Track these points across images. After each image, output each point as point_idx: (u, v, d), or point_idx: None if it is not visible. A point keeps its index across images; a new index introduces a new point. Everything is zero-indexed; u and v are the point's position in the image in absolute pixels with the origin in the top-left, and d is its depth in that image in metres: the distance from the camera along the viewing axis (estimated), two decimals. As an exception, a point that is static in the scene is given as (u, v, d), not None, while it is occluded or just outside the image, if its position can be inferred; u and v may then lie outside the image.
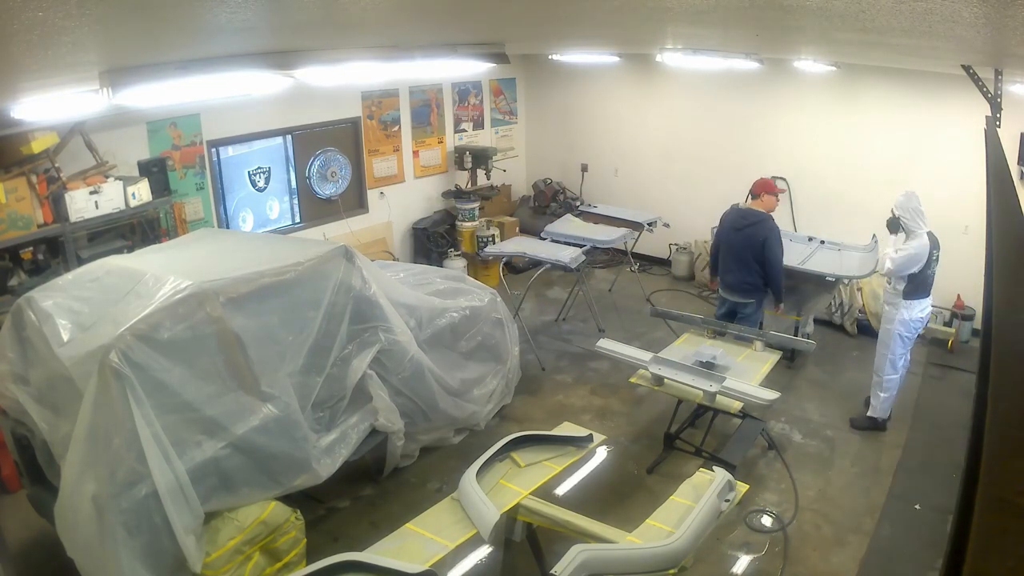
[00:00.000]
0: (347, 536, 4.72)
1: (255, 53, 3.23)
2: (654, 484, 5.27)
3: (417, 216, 9.48)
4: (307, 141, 8.25)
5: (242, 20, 2.06)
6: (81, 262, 5.35)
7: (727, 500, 3.85)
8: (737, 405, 5.10)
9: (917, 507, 5.03)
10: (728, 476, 3.96)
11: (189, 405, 3.89)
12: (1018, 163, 6.68)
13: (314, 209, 8.46)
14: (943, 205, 6.74)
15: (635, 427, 6.14)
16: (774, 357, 5.70)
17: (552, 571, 3.20)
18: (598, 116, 10.18)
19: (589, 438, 4.55)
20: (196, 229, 6.50)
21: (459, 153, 9.54)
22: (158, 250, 5.29)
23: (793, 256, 7.06)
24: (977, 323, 7.29)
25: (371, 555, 3.38)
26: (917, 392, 6.62)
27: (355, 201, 8.84)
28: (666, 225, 8.67)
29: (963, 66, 4.68)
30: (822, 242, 7.40)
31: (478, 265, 9.16)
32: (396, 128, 9.12)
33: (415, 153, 9.43)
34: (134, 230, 6.31)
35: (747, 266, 6.14)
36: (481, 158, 9.36)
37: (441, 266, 8.55)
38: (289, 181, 8.28)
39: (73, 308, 4.18)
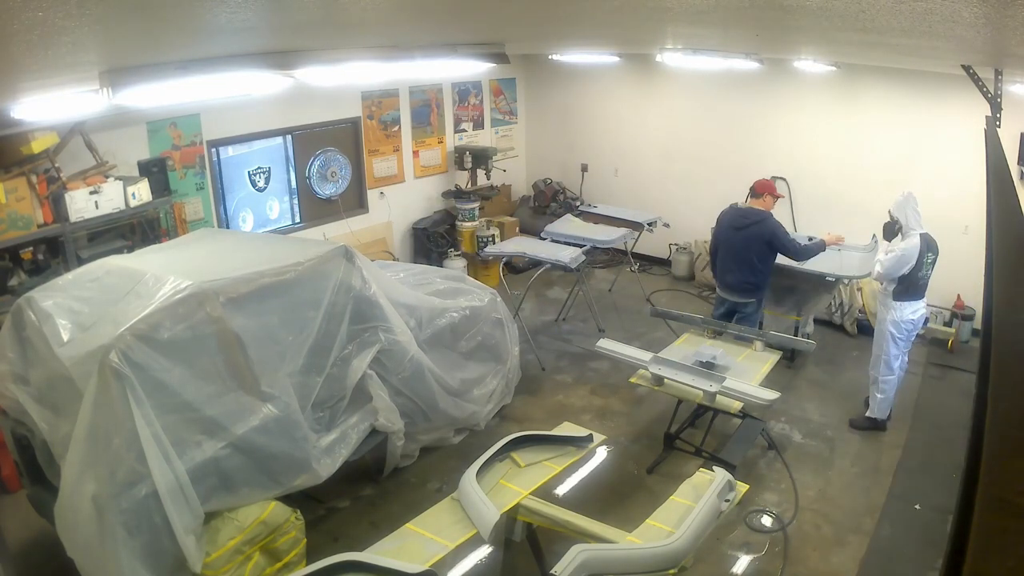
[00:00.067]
0: (347, 536, 4.72)
1: (255, 53, 3.23)
2: (654, 484, 5.27)
3: (417, 216, 9.48)
4: (307, 141, 8.26)
5: (242, 20, 2.06)
6: (81, 262, 5.35)
7: (727, 500, 3.85)
8: (737, 405, 5.09)
9: (917, 507, 5.03)
10: (728, 476, 3.96)
11: (189, 405, 3.89)
12: (1018, 163, 6.68)
13: (314, 209, 8.46)
14: (943, 205, 6.74)
15: (635, 427, 6.14)
16: (774, 357, 5.70)
17: (552, 571, 3.20)
18: (598, 116, 10.18)
19: (589, 438, 4.55)
20: (196, 229, 6.50)
21: (459, 153, 9.54)
22: (158, 250, 5.29)
23: (793, 256, 7.06)
24: (977, 323, 7.29)
25: (371, 555, 3.38)
26: (917, 392, 6.62)
27: (355, 201, 8.84)
28: (666, 225, 8.67)
29: (963, 66, 4.68)
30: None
31: (478, 265, 9.16)
32: (396, 128, 9.13)
33: (415, 153, 9.43)
34: (134, 230, 6.31)
35: (748, 266, 6.13)
36: (481, 158, 9.36)
37: (441, 266, 8.55)
38: (289, 181, 8.28)
39: (73, 308, 4.18)
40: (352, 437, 4.71)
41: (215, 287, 4.10)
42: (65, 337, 4.00)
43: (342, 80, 5.60)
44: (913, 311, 5.69)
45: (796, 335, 6.75)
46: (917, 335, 6.00)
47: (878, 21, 2.41)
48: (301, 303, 4.52)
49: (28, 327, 4.18)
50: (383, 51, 3.89)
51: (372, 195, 8.98)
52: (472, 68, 6.06)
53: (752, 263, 6.11)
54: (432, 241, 9.26)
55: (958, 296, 7.42)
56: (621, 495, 5.18)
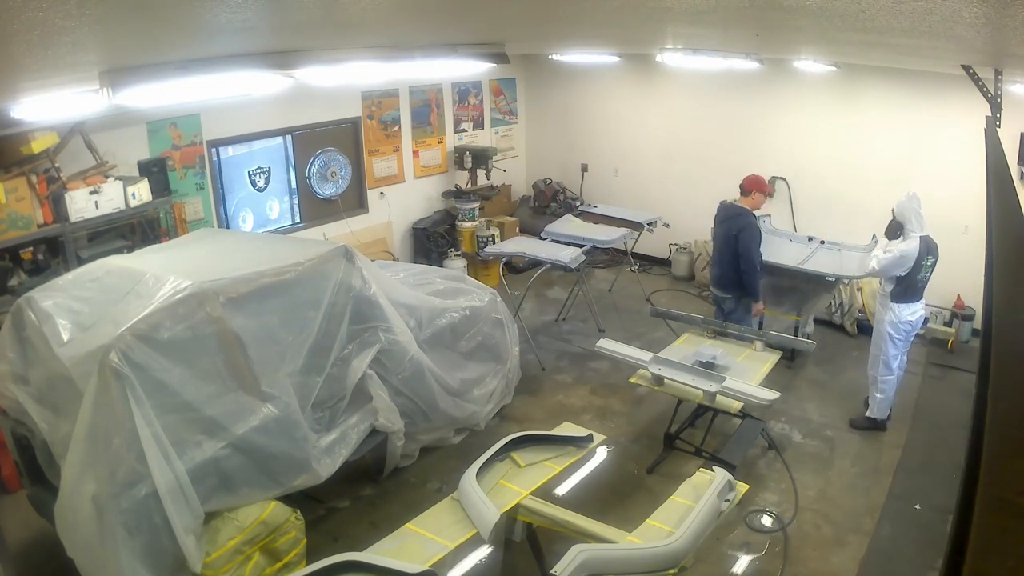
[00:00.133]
0: (347, 536, 4.72)
1: (255, 53, 3.23)
2: (654, 484, 5.27)
3: (417, 216, 9.48)
4: (307, 141, 8.25)
5: (242, 20, 2.06)
6: (81, 262, 5.35)
7: (727, 500, 3.85)
8: (737, 405, 5.10)
9: (917, 507, 5.03)
10: (728, 476, 3.96)
11: (189, 405, 3.89)
12: (1018, 163, 6.68)
13: (314, 209, 8.46)
14: (943, 205, 6.74)
15: (635, 427, 6.14)
16: (774, 357, 5.70)
17: (552, 571, 3.20)
18: (598, 116, 10.18)
19: (589, 438, 4.55)
20: (196, 229, 6.50)
21: (459, 153, 9.54)
22: (158, 250, 5.29)
23: (793, 256, 7.06)
24: (977, 323, 7.29)
25: (371, 555, 3.38)
26: (917, 392, 6.62)
27: (355, 201, 8.84)
28: (666, 225, 8.67)
29: (963, 66, 4.68)
30: (822, 242, 7.39)
31: (478, 265, 9.16)
32: (396, 128, 9.12)
33: (415, 153, 9.43)
34: (134, 230, 6.31)
35: (725, 260, 6.22)
36: (481, 158, 9.36)
37: (441, 266, 8.55)
38: (289, 181, 8.28)
39: (73, 308, 4.18)
40: (352, 437, 4.71)
41: (215, 287, 4.10)
42: (65, 337, 4.00)
43: (342, 80, 5.60)
44: (911, 312, 5.68)
45: (796, 335, 6.75)
46: (916, 335, 6.00)
47: (878, 21, 2.41)
48: (301, 303, 4.52)
49: (28, 327, 4.18)
50: (383, 51, 3.89)
51: (372, 195, 8.98)
52: (472, 68, 6.06)
53: (728, 258, 6.18)
54: (432, 241, 9.26)
55: (958, 296, 7.42)
56: (621, 495, 5.18)
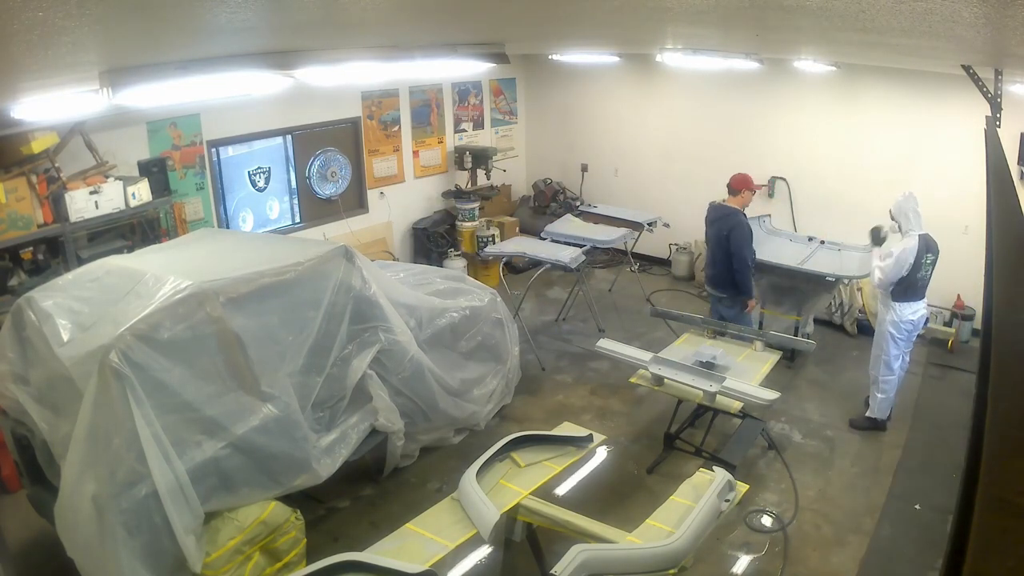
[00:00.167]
0: (347, 536, 4.72)
1: (255, 53, 3.23)
2: (654, 484, 5.27)
3: (417, 216, 9.48)
4: (307, 141, 8.25)
5: (242, 20, 2.06)
6: (81, 262, 5.35)
7: (727, 500, 3.85)
8: (737, 405, 5.10)
9: (917, 507, 5.03)
10: (728, 476, 3.96)
11: (189, 405, 3.89)
12: (1018, 163, 6.68)
13: (314, 209, 8.46)
14: (943, 205, 6.74)
15: (635, 427, 6.14)
16: (774, 357, 5.70)
17: (552, 571, 3.20)
18: (598, 116, 10.18)
19: (589, 438, 4.55)
20: (196, 229, 6.50)
21: (459, 153, 9.54)
22: (158, 250, 5.29)
23: (793, 256, 7.07)
24: (977, 323, 7.29)
25: (371, 555, 3.38)
26: (917, 392, 6.62)
27: (355, 201, 8.84)
28: (666, 225, 8.67)
29: (963, 66, 4.68)
30: (822, 242, 7.40)
31: (478, 265, 9.16)
32: (396, 128, 9.12)
33: (415, 153, 9.43)
34: (134, 230, 6.31)
35: (718, 260, 6.25)
36: (481, 158, 9.36)
37: (441, 266, 8.55)
38: (289, 181, 8.28)
39: (73, 308, 4.18)
40: (352, 437, 4.71)
41: (215, 287, 4.10)
42: (65, 337, 4.00)
43: (342, 80, 5.60)
44: (913, 311, 5.68)
45: (796, 335, 6.75)
46: (918, 335, 6.00)
47: (878, 21, 2.41)
48: (301, 303, 4.52)
49: (28, 327, 4.18)
50: (383, 51, 3.89)
51: (372, 195, 8.98)
52: (472, 68, 6.06)
53: (720, 258, 6.20)
54: (432, 241, 9.26)
55: (958, 296, 7.42)
56: (621, 495, 5.18)
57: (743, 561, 4.56)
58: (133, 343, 3.70)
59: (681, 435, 5.61)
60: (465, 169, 9.45)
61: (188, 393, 3.88)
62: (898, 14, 2.17)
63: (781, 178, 8.60)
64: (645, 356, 5.42)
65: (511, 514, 3.91)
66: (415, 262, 8.85)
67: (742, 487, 4.02)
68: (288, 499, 4.25)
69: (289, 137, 8.10)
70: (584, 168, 10.46)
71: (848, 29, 2.95)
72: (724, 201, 6.29)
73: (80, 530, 3.62)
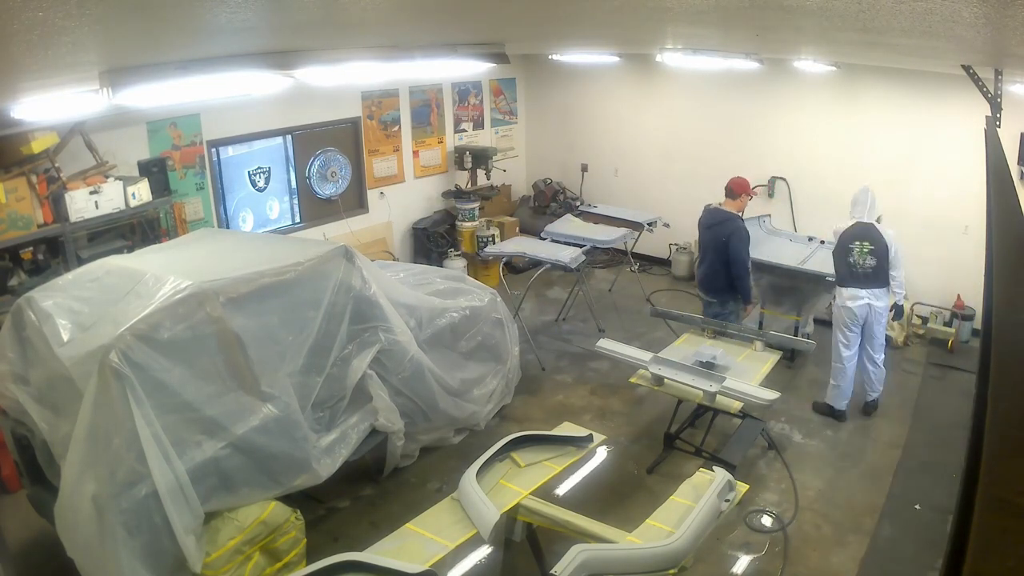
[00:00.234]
0: (347, 536, 4.72)
1: (255, 53, 3.23)
2: (654, 484, 5.27)
3: (417, 216, 9.47)
4: (307, 141, 8.25)
5: (242, 20, 2.06)
6: (81, 262, 5.35)
7: (727, 500, 3.85)
8: (737, 405, 5.10)
9: (917, 507, 5.03)
10: (728, 476, 3.96)
11: (189, 405, 3.89)
12: (1018, 163, 6.68)
13: (314, 209, 8.46)
14: (943, 205, 6.75)
15: (635, 427, 6.14)
16: (774, 357, 5.70)
17: (552, 571, 3.20)
18: (598, 116, 10.17)
19: (589, 438, 4.54)
20: (196, 229, 6.50)
21: (459, 153, 9.54)
22: (158, 250, 5.29)
23: (793, 256, 7.07)
24: (977, 323, 7.29)
25: (371, 555, 3.38)
26: (917, 392, 6.62)
27: (355, 201, 8.84)
28: (666, 225, 8.67)
29: (963, 66, 4.68)
30: (822, 242, 7.39)
31: (478, 265, 9.16)
32: (396, 128, 9.12)
33: (415, 153, 9.43)
34: (134, 230, 6.31)
35: (714, 265, 6.20)
36: (481, 158, 9.36)
37: (441, 266, 8.55)
38: (289, 181, 8.28)
39: (73, 308, 4.18)
40: (352, 437, 4.71)
41: (215, 287, 4.10)
42: (65, 337, 4.00)
43: (342, 80, 5.60)
44: (850, 298, 5.77)
45: (796, 335, 6.75)
46: (888, 337, 6.01)
47: (878, 21, 2.41)
48: (301, 303, 4.52)
49: (28, 327, 4.18)
50: (383, 51, 3.89)
51: (372, 195, 8.98)
52: (472, 68, 6.06)
53: (715, 263, 6.15)
54: (432, 241, 9.26)
55: (958, 296, 7.41)
56: (621, 495, 5.18)
57: (743, 561, 4.56)
58: (133, 343, 3.70)
59: (681, 435, 5.61)
60: (465, 169, 9.45)
61: (188, 393, 3.88)
62: (898, 14, 2.17)
63: (781, 178, 8.60)
64: (645, 356, 5.42)
65: (511, 514, 3.91)
66: (415, 262, 8.84)
67: (742, 487, 4.02)
68: (288, 499, 4.25)
69: (289, 137, 8.10)
70: (584, 168, 10.45)
71: (848, 29, 2.95)
72: (721, 205, 6.25)
73: (80, 530, 3.62)
